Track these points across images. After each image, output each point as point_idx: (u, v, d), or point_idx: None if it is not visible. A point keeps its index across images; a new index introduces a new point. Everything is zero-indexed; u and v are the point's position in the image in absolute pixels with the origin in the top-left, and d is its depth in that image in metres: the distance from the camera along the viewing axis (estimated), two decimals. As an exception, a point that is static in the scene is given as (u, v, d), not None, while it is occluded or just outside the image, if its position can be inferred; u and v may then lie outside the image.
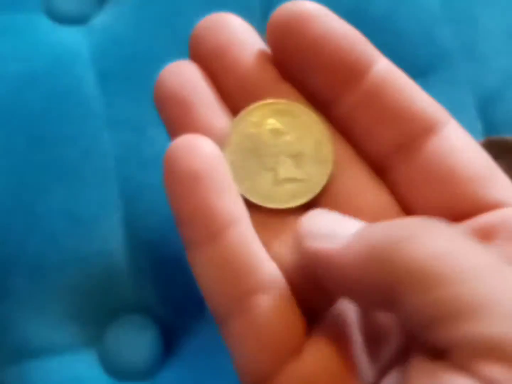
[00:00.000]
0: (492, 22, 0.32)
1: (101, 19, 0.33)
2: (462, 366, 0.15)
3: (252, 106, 0.22)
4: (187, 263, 0.29)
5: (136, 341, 0.29)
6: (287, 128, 0.22)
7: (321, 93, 0.21)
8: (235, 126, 0.22)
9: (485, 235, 0.19)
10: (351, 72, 0.21)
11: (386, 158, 0.21)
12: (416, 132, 0.20)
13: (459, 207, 0.20)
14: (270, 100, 0.22)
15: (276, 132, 0.22)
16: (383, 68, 0.21)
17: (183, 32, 0.32)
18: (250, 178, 0.22)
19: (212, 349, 0.28)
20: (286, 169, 0.22)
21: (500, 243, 0.18)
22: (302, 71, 0.21)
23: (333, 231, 0.18)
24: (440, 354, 0.15)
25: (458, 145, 0.20)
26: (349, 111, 0.21)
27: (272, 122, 0.22)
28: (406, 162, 0.21)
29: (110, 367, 0.29)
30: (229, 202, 0.20)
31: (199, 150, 0.20)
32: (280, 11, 0.21)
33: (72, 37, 0.32)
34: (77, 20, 0.33)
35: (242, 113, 0.22)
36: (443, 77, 0.32)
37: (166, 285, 0.30)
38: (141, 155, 0.30)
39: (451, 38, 0.32)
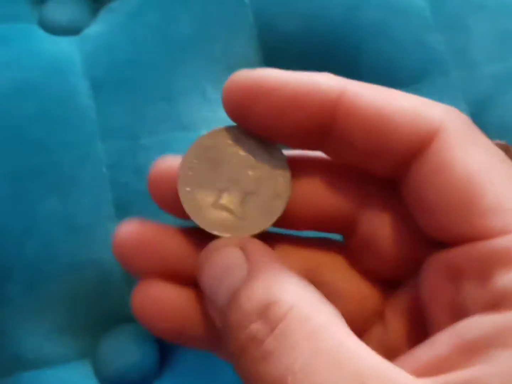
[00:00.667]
0: (483, 28, 0.32)
1: (94, 28, 0.33)
2: None
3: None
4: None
5: (131, 352, 0.29)
6: (258, 164, 0.21)
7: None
8: (216, 131, 0.22)
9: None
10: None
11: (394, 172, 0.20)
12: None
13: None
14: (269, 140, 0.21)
15: (245, 161, 0.21)
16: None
17: (176, 40, 0.33)
18: (198, 186, 0.21)
19: (209, 360, 0.28)
20: (231, 198, 0.21)
21: None
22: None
23: None
24: None
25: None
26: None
27: (250, 151, 0.21)
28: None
29: (105, 378, 0.29)
30: None
31: None
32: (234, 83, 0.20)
33: (65, 47, 0.32)
34: (70, 30, 0.33)
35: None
36: (435, 83, 0.32)
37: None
38: (135, 163, 0.30)
39: (442, 45, 0.32)
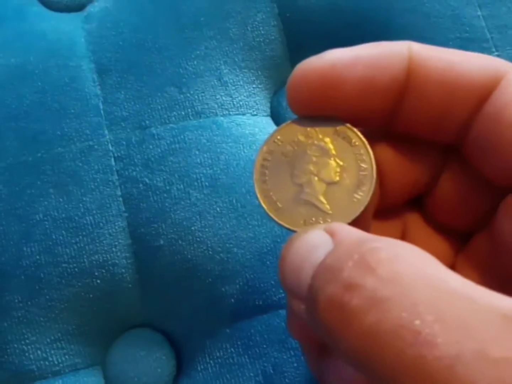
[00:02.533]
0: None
1: (99, 4, 0.31)
2: None
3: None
4: (198, 271, 0.26)
5: (144, 360, 0.27)
6: (337, 153, 0.21)
7: None
8: (286, 125, 0.21)
9: None
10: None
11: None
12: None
13: None
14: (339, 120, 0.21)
15: (323, 151, 0.21)
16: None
17: (188, 18, 0.30)
18: (275, 184, 0.21)
19: (228, 371, 0.26)
20: (312, 192, 0.21)
21: None
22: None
23: None
24: None
25: None
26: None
27: (326, 141, 0.21)
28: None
29: (116, 388, 0.27)
30: None
31: None
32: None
33: (67, 25, 0.30)
34: (73, 6, 0.31)
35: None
36: (475, 63, 0.29)
37: (176, 297, 0.27)
38: (145, 155, 0.28)
39: (483, 21, 0.29)
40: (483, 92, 0.19)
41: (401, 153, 0.22)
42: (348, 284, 0.15)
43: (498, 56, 0.29)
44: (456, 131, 0.21)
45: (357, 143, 0.21)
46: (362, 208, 0.20)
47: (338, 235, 0.18)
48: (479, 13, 0.29)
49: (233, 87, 0.29)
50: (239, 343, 0.26)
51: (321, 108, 0.20)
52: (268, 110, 0.30)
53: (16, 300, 0.26)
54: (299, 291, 0.18)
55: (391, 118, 0.21)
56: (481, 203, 0.21)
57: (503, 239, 0.20)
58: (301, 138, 0.21)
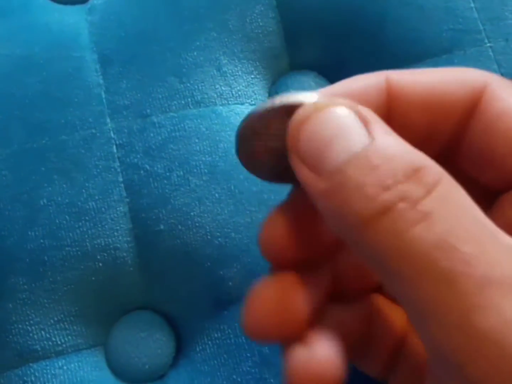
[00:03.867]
0: (520, -6, 0.30)
1: (101, -3, 0.31)
2: None
3: None
4: (197, 255, 0.27)
5: (144, 341, 0.28)
6: None
7: None
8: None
9: None
10: None
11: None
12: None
13: None
14: None
15: None
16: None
17: (188, 10, 0.31)
18: None
19: (226, 351, 0.27)
20: None
21: None
22: None
23: None
24: None
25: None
26: None
27: None
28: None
29: (118, 368, 0.28)
30: None
31: None
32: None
33: (71, 17, 0.31)
34: (77, -1, 0.31)
35: None
36: (467, 54, 0.30)
37: (176, 280, 0.28)
38: (146, 142, 0.28)
39: (476, 12, 0.30)
40: (466, 108, 0.20)
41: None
42: (404, 196, 0.16)
43: (490, 47, 0.30)
44: (443, 147, 0.21)
45: None
46: None
47: (374, 129, 0.18)
48: (472, 5, 0.30)
49: (232, 77, 0.30)
50: (236, 324, 0.27)
51: None
52: (266, 100, 0.31)
53: (21, 282, 0.27)
54: (319, 165, 0.18)
55: None
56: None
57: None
58: None
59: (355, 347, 0.22)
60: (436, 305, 0.16)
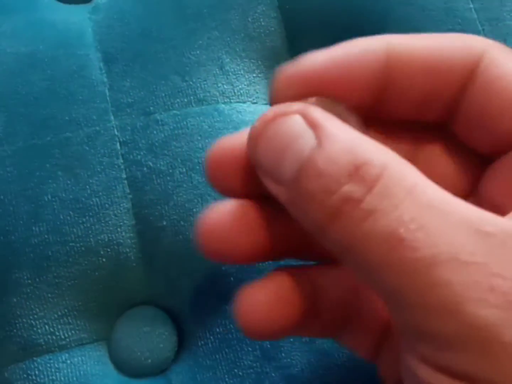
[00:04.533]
0: (519, -5, 0.30)
1: (106, -4, 0.32)
2: None
3: None
4: (198, 251, 0.27)
5: (147, 336, 0.28)
6: None
7: None
8: None
9: None
10: None
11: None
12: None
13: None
14: None
15: None
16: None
17: (191, 9, 0.31)
18: None
19: (227, 345, 0.27)
20: None
21: None
22: None
23: None
24: None
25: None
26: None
27: None
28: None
29: (120, 362, 0.28)
30: None
31: None
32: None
33: (75, 16, 0.31)
34: (81, -2, 0.32)
35: None
36: (467, 54, 0.30)
37: (178, 275, 0.28)
38: (150, 140, 0.29)
39: (475, 13, 0.30)
40: (464, 73, 0.20)
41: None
42: (348, 198, 0.17)
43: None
44: (442, 112, 0.21)
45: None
46: None
47: (322, 132, 0.18)
48: (471, 6, 0.30)
49: (234, 76, 0.31)
50: (238, 319, 0.27)
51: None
52: (268, 99, 0.31)
53: (25, 277, 0.27)
54: (277, 176, 0.19)
55: (376, 108, 0.21)
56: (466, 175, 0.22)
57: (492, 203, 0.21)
58: None
59: (343, 319, 0.23)
60: (395, 292, 0.17)
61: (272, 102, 0.21)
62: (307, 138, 0.18)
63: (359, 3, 0.31)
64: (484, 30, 0.30)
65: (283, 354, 0.27)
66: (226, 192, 0.22)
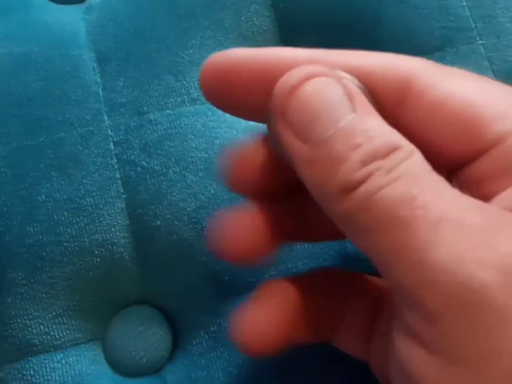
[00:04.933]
0: (512, -8, 0.30)
1: (99, -4, 0.32)
2: None
3: None
4: (194, 250, 0.28)
5: (142, 335, 0.28)
6: None
7: None
8: None
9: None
10: None
11: None
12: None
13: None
14: None
15: None
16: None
17: (184, 8, 0.31)
18: None
19: (222, 344, 0.27)
20: None
21: None
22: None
23: None
24: None
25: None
26: None
27: None
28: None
29: (115, 362, 0.28)
30: None
31: None
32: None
33: (69, 17, 0.31)
34: (74, -2, 0.32)
35: None
36: (459, 51, 0.30)
37: (172, 274, 0.28)
38: (143, 139, 0.29)
39: (468, 10, 0.30)
40: (393, 99, 0.21)
41: None
42: (380, 167, 0.18)
43: (482, 44, 0.30)
44: None
45: None
46: None
47: (358, 105, 0.19)
48: (464, 3, 0.30)
49: (228, 75, 0.31)
50: (232, 318, 0.27)
51: (227, 94, 0.22)
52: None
53: (20, 277, 0.27)
54: (306, 134, 0.19)
55: None
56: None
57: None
58: None
59: (332, 323, 0.23)
60: (396, 249, 0.18)
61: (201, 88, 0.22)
62: (346, 108, 0.19)
63: (352, 3, 0.31)
64: (477, 27, 0.30)
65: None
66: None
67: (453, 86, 0.21)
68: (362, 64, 0.21)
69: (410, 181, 0.18)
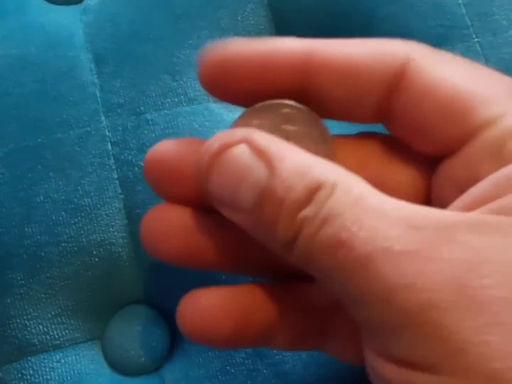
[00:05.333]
0: (507, -10, 0.30)
1: (96, -3, 0.32)
2: None
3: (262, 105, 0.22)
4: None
5: (140, 335, 0.28)
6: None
7: None
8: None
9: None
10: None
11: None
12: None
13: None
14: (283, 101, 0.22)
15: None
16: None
17: (180, 9, 0.31)
18: None
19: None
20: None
21: None
22: None
23: None
24: None
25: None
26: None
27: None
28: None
29: (114, 361, 0.28)
30: None
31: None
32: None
33: (66, 18, 0.31)
34: (72, 0, 0.32)
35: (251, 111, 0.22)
36: (455, 49, 0.30)
37: (170, 274, 0.28)
38: (141, 140, 0.29)
39: (463, 8, 0.30)
40: (387, 79, 0.21)
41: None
42: (306, 218, 0.19)
43: (478, 42, 0.30)
44: (372, 115, 0.22)
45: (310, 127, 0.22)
46: None
47: (272, 159, 0.19)
48: (459, 1, 0.30)
49: (225, 75, 0.31)
50: (230, 317, 0.28)
51: (227, 86, 0.22)
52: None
53: (18, 278, 0.27)
54: (235, 206, 0.20)
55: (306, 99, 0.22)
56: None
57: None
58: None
59: (320, 332, 0.24)
60: (345, 291, 0.18)
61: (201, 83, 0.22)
62: (259, 168, 0.19)
63: (346, 2, 0.31)
64: (473, 25, 0.30)
65: (275, 351, 0.27)
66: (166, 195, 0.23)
67: (444, 71, 0.21)
68: (357, 52, 0.21)
69: (335, 222, 0.18)
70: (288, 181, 0.19)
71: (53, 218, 0.28)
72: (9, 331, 0.27)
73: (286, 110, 0.22)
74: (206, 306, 0.22)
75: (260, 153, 0.19)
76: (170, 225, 0.23)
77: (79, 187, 0.28)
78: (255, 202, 0.19)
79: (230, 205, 0.20)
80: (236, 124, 0.22)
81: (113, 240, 0.28)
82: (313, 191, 0.19)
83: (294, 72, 0.21)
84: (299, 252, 0.19)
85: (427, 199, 0.22)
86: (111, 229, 0.28)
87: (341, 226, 0.18)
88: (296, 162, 0.19)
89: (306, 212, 0.18)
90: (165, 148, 0.23)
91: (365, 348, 0.20)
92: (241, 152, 0.20)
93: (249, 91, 0.22)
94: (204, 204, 0.22)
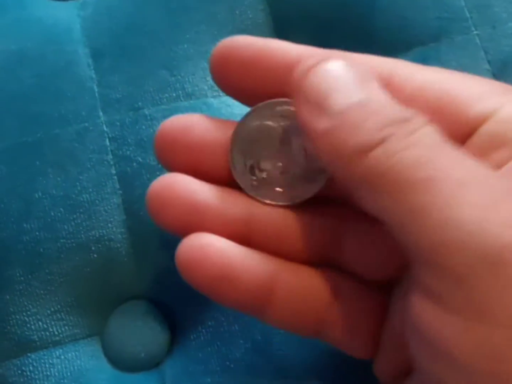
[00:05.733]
0: (506, -18, 0.30)
1: (93, -9, 0.32)
2: None
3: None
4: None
5: (140, 330, 0.28)
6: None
7: None
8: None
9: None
10: None
11: None
12: None
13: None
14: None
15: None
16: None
17: (177, 3, 0.31)
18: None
19: (219, 339, 0.27)
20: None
21: None
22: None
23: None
24: None
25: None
26: None
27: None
28: None
29: (114, 357, 0.28)
30: None
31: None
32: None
33: (64, 13, 0.31)
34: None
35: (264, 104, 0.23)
36: (455, 41, 0.30)
37: (169, 269, 0.28)
38: (139, 135, 0.29)
39: (462, 1, 0.30)
40: None
41: None
42: (395, 132, 0.19)
43: (477, 35, 0.30)
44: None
45: None
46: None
47: (370, 86, 0.20)
48: (459, -8, 0.30)
49: (223, 69, 0.30)
50: (229, 312, 0.28)
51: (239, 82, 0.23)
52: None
53: (18, 274, 0.27)
54: (322, 107, 0.20)
55: None
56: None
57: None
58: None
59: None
60: (416, 209, 0.18)
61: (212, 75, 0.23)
62: (359, 87, 0.20)
63: (345, -6, 0.31)
64: (472, 17, 0.30)
65: (274, 347, 0.27)
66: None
67: (429, 76, 0.21)
68: None
69: (426, 147, 0.18)
70: (384, 104, 0.19)
71: (52, 214, 0.28)
72: (8, 327, 0.27)
73: (286, 107, 0.22)
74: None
75: (364, 80, 0.20)
76: (176, 191, 0.23)
77: (77, 183, 0.28)
78: (346, 107, 0.19)
79: (318, 105, 0.20)
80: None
81: (112, 236, 0.28)
82: (406, 119, 0.19)
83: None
84: (372, 162, 0.19)
85: None
86: (109, 225, 0.28)
87: (433, 152, 0.18)
88: (392, 100, 0.20)
89: (395, 128, 0.19)
90: (177, 120, 0.23)
91: (415, 303, 0.19)
92: (350, 68, 0.20)
93: (257, 89, 0.22)
94: (213, 175, 0.23)
